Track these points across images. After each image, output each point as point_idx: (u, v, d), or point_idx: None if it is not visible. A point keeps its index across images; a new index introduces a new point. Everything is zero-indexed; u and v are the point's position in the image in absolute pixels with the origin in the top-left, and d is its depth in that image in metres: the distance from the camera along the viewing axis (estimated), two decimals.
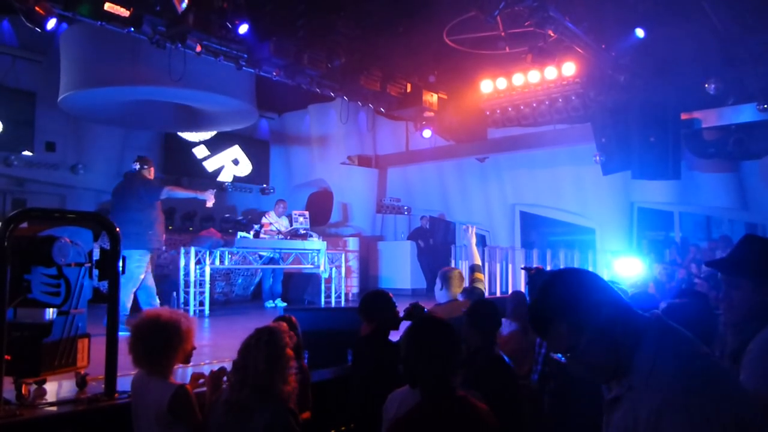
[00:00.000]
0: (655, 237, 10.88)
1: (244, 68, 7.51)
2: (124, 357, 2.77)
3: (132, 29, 6.21)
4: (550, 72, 8.01)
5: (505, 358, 3.06)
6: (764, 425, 1.22)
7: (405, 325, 3.14)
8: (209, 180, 12.54)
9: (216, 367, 2.79)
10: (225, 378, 2.70)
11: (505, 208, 12.04)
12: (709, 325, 2.19)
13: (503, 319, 4.82)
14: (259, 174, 13.32)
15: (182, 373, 3.28)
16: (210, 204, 6.51)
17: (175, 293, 7.41)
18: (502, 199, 12.02)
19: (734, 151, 8.41)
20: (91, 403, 2.91)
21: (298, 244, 8.54)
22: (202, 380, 2.82)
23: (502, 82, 8.62)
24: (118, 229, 3.24)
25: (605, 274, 7.92)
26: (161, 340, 2.50)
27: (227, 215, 11.89)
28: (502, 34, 7.10)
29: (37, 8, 5.36)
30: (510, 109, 8.79)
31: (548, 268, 3.68)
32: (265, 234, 8.38)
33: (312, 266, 8.70)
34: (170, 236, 6.92)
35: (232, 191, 13.12)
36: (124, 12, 5.97)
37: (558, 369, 3.30)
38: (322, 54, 7.60)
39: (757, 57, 7.23)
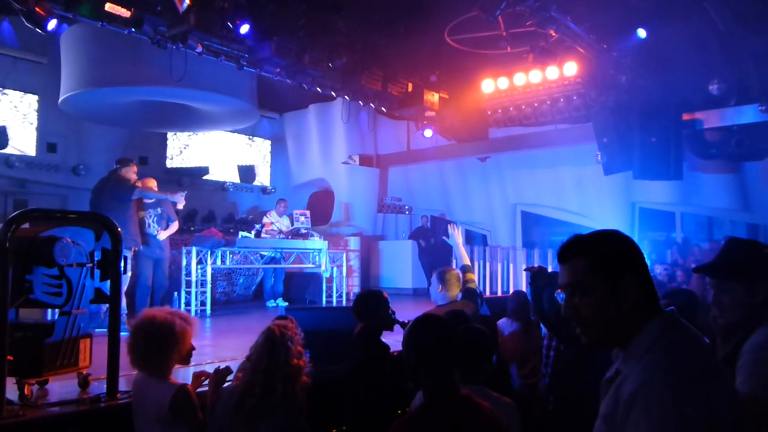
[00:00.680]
0: (657, 237, 10.87)
1: (245, 68, 7.51)
2: (125, 357, 2.77)
3: (133, 30, 6.21)
4: (552, 72, 8.00)
5: None
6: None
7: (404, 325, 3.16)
8: (210, 179, 12.56)
9: (222, 366, 2.77)
10: (230, 377, 2.70)
11: (506, 207, 12.03)
12: (695, 319, 2.16)
13: (504, 319, 4.81)
14: (261, 174, 13.33)
15: (184, 373, 3.28)
16: (181, 206, 6.50)
17: (176, 293, 7.42)
18: (503, 198, 12.02)
19: (736, 152, 8.39)
20: (94, 403, 2.92)
21: (300, 243, 8.54)
22: (204, 378, 2.79)
23: (503, 82, 8.61)
24: (120, 229, 3.25)
25: None
26: (155, 342, 2.50)
27: (229, 214, 11.91)
28: (504, 33, 7.09)
29: (37, 9, 5.36)
30: (511, 108, 8.79)
31: (549, 268, 3.66)
32: (266, 234, 8.38)
33: (313, 266, 8.70)
34: (172, 236, 6.92)
35: (234, 191, 13.13)
36: (124, 12, 5.98)
37: (566, 371, 3.29)
38: (323, 54, 7.60)
39: (759, 57, 7.22)
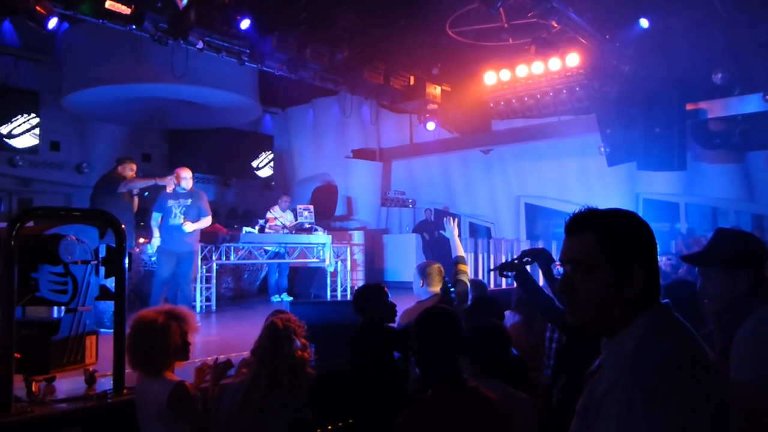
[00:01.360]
0: (661, 228, 10.82)
1: (246, 63, 7.51)
2: None
3: (134, 27, 6.22)
4: (554, 63, 7.97)
5: None
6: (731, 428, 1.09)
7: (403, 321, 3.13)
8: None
9: (221, 359, 2.77)
10: (231, 372, 2.71)
11: (509, 199, 12.02)
12: (694, 307, 2.16)
13: (507, 312, 4.80)
14: (264, 169, 13.35)
15: (188, 368, 3.29)
16: (170, 189, 6.23)
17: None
18: (506, 190, 12.00)
19: (740, 142, 8.34)
20: (101, 400, 2.94)
21: (303, 238, 8.55)
22: (207, 371, 2.77)
23: (505, 74, 8.58)
24: (123, 226, 3.26)
25: None
26: (143, 342, 2.49)
27: (232, 209, 11.94)
28: (505, 25, 7.06)
29: (38, 8, 5.37)
30: (514, 100, 8.76)
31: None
32: (269, 229, 8.40)
33: (317, 260, 8.71)
34: None
35: (236, 186, 13.15)
36: (125, 9, 5.98)
37: (570, 364, 3.28)
38: (324, 48, 7.59)
39: (763, 46, 7.16)
